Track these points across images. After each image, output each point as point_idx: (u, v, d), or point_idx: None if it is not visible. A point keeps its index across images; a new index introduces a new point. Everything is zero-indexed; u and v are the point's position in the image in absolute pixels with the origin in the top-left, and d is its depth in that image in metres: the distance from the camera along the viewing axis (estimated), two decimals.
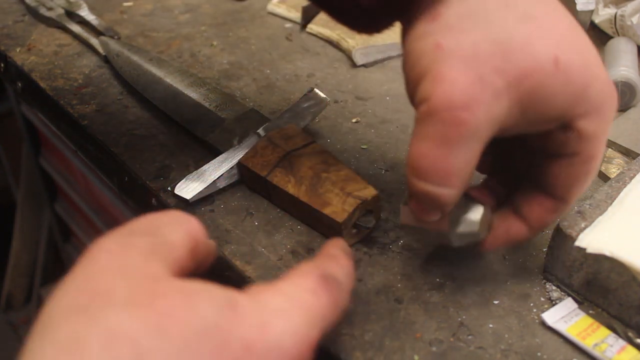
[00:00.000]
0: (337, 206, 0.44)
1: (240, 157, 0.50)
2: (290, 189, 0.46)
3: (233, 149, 0.51)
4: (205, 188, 0.49)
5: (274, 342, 0.26)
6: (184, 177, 0.50)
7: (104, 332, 0.23)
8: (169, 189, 0.50)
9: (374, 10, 0.35)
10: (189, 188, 0.49)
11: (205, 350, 0.24)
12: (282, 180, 0.47)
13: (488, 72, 0.32)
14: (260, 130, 0.52)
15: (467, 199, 0.39)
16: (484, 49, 0.32)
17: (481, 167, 0.42)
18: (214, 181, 0.49)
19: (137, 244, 0.28)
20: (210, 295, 0.26)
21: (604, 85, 0.34)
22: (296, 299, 0.29)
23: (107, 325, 0.23)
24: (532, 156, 0.39)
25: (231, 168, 0.50)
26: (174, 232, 0.30)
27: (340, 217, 0.44)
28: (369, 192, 0.45)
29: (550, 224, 0.40)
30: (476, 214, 0.39)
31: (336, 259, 0.34)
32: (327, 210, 0.44)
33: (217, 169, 0.50)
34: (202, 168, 0.50)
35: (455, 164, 0.34)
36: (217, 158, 0.51)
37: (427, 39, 0.33)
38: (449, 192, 0.35)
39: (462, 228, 0.39)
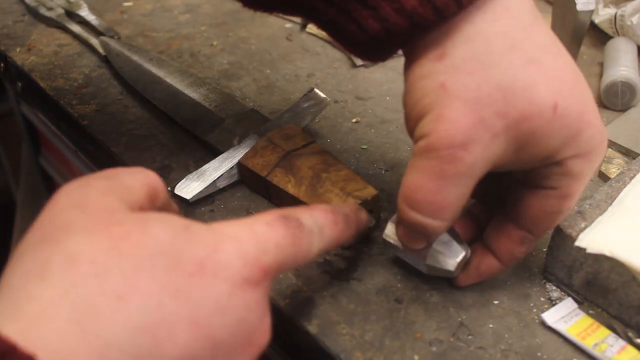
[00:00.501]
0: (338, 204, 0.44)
1: (240, 157, 0.50)
2: (290, 189, 0.46)
3: (233, 148, 0.51)
4: (205, 188, 0.49)
5: (224, 261, 0.28)
6: (184, 177, 0.50)
7: (65, 256, 0.26)
8: (169, 189, 0.50)
9: (380, 37, 0.36)
10: (189, 188, 0.49)
11: (160, 268, 0.26)
12: (282, 180, 0.47)
13: (489, 115, 0.33)
14: (260, 130, 0.52)
15: (452, 236, 0.40)
16: (487, 91, 0.33)
17: None
18: (214, 181, 0.49)
19: (96, 185, 0.30)
20: (166, 221, 0.28)
21: (596, 132, 0.35)
22: (249, 227, 0.30)
23: (67, 250, 0.26)
24: (511, 184, 0.39)
25: (231, 168, 0.50)
26: (132, 178, 0.32)
27: None
28: (369, 192, 0.45)
29: (520, 258, 0.41)
30: (456, 256, 0.40)
31: (311, 209, 0.35)
32: None
33: (217, 169, 0.50)
34: (202, 168, 0.50)
35: (447, 199, 0.35)
36: (217, 158, 0.51)
37: (432, 78, 0.34)
38: (438, 224, 0.36)
39: (439, 264, 0.40)
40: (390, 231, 0.41)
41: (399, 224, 0.38)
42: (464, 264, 0.41)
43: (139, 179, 0.32)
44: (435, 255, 0.40)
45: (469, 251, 0.41)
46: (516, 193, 0.39)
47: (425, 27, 0.34)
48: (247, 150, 0.50)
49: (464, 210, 0.43)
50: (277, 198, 0.48)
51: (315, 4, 0.37)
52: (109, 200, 0.29)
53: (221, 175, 0.49)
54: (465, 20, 0.34)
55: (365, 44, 0.37)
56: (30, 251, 0.26)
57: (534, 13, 0.35)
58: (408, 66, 0.37)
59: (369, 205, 0.45)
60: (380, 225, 0.47)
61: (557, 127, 0.34)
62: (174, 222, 0.28)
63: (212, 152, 0.53)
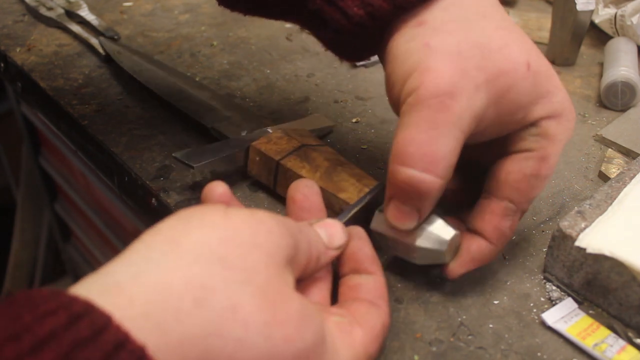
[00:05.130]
0: (353, 193, 0.44)
1: (250, 143, 0.49)
2: (305, 173, 0.46)
3: (241, 136, 0.51)
4: (211, 162, 0.47)
5: None
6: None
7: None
8: (173, 155, 0.48)
9: (364, 23, 0.38)
10: (194, 156, 0.47)
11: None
12: (296, 165, 0.47)
13: (470, 67, 0.35)
14: (270, 129, 0.52)
15: (442, 220, 0.39)
16: (466, 48, 0.36)
17: None
18: (220, 157, 0.48)
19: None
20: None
21: (565, 98, 0.39)
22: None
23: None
24: (490, 159, 0.40)
25: (237, 153, 0.49)
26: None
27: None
28: None
29: (508, 234, 0.40)
30: (446, 235, 0.39)
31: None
32: (342, 195, 0.44)
33: (224, 149, 0.49)
34: (209, 145, 0.49)
35: (441, 150, 0.35)
36: (226, 140, 0.50)
37: (415, 40, 0.37)
38: (433, 180, 0.35)
39: (430, 244, 0.39)
40: (377, 221, 0.41)
41: (389, 201, 0.38)
42: (456, 248, 0.40)
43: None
44: (425, 235, 0.39)
45: (459, 234, 0.40)
46: (496, 165, 0.40)
47: (406, 8, 0.37)
48: (257, 139, 0.50)
49: (450, 209, 0.43)
50: (285, 186, 0.47)
51: None
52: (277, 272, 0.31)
53: (227, 155, 0.48)
54: None
55: (349, 33, 0.39)
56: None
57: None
58: (388, 41, 0.39)
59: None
60: None
61: (530, 84, 0.37)
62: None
63: None
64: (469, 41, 0.36)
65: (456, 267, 0.40)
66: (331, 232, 0.37)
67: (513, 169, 0.39)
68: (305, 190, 0.40)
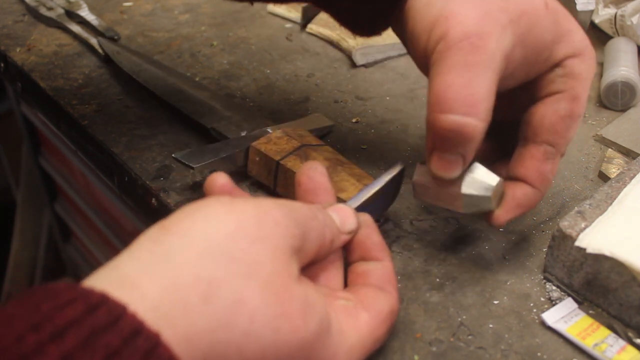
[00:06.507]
0: (353, 193, 0.44)
1: (250, 143, 0.49)
2: None
3: (241, 136, 0.51)
4: (210, 162, 0.47)
5: None
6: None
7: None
8: (173, 156, 0.48)
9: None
10: (194, 157, 0.47)
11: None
12: (296, 165, 0.47)
13: (493, 9, 0.36)
14: (269, 129, 0.52)
15: (485, 168, 0.40)
16: None
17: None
18: (221, 158, 0.48)
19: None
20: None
21: (584, 37, 0.40)
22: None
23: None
24: (524, 106, 0.42)
25: (237, 152, 0.49)
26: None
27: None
28: None
29: (549, 178, 0.41)
30: (491, 180, 0.39)
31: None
32: (342, 195, 0.44)
33: (224, 149, 0.49)
34: (209, 145, 0.49)
35: (478, 90, 0.35)
36: (226, 140, 0.50)
37: None
38: (475, 123, 0.35)
39: (476, 191, 0.39)
40: (420, 173, 0.41)
41: (432, 153, 0.38)
42: (500, 195, 0.41)
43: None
44: (470, 182, 0.39)
45: (502, 180, 0.40)
46: (529, 112, 0.41)
47: None
48: (257, 139, 0.50)
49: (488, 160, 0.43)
50: (285, 185, 0.48)
51: None
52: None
53: (227, 155, 0.48)
54: None
55: (362, 8, 0.41)
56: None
57: None
58: (405, 9, 0.40)
59: None
60: (380, 226, 0.47)
61: (551, 22, 0.38)
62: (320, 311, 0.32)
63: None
64: None
65: (502, 214, 0.41)
66: (343, 217, 0.37)
67: (547, 112, 0.40)
68: (310, 173, 0.39)
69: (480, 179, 0.39)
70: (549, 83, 0.40)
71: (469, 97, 0.35)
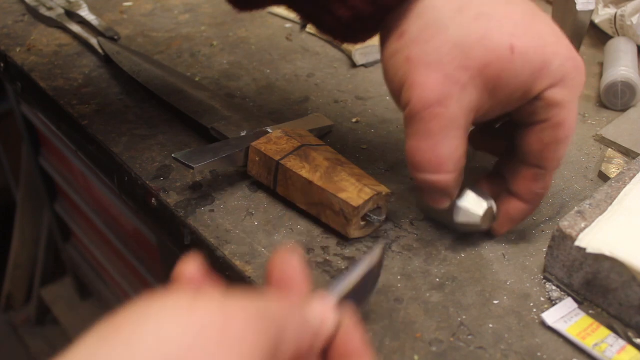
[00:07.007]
0: (353, 193, 0.44)
1: (250, 143, 0.49)
2: (305, 173, 0.46)
3: (241, 136, 0.51)
4: (210, 162, 0.47)
5: None
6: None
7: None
8: (173, 156, 0.48)
9: (351, 23, 0.41)
10: (193, 157, 0.47)
11: None
12: (296, 166, 0.47)
13: (452, 71, 0.37)
14: (269, 129, 0.52)
15: (477, 192, 0.44)
16: (445, 52, 0.37)
17: (480, 146, 0.49)
18: (220, 158, 0.48)
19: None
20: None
21: (565, 60, 0.39)
22: None
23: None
24: (513, 130, 0.43)
25: (238, 152, 0.49)
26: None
27: (355, 202, 0.44)
28: (383, 188, 0.46)
29: (542, 193, 0.44)
30: (479, 209, 0.43)
31: None
32: (342, 195, 0.44)
33: (224, 149, 0.49)
34: (209, 145, 0.49)
35: (443, 152, 0.39)
36: (226, 140, 0.50)
37: (398, 55, 0.39)
38: (446, 178, 0.40)
39: (466, 219, 0.43)
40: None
41: (421, 191, 0.43)
42: (492, 216, 0.44)
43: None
44: (462, 211, 0.43)
45: (493, 203, 0.44)
46: (519, 137, 0.42)
47: (388, 9, 0.39)
48: (257, 139, 0.50)
49: (493, 170, 0.47)
50: (284, 185, 0.48)
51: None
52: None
53: (227, 155, 0.48)
54: None
55: (341, 30, 0.42)
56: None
57: None
58: (381, 50, 0.42)
59: (381, 200, 0.46)
60: (380, 226, 0.47)
61: (520, 66, 0.37)
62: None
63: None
64: (447, 44, 0.37)
65: (498, 228, 0.45)
66: (324, 315, 0.32)
67: (533, 141, 0.41)
68: (283, 262, 0.34)
69: (470, 209, 0.43)
70: (531, 114, 0.40)
71: (433, 159, 0.39)
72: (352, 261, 0.45)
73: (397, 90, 0.40)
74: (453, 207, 0.43)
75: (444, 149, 0.39)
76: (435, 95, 0.37)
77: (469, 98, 0.38)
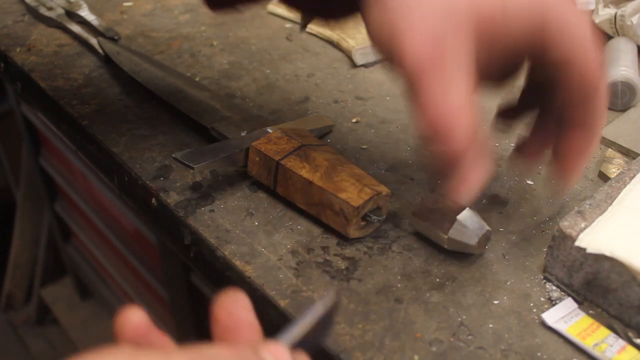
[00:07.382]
0: (353, 193, 0.44)
1: (250, 143, 0.49)
2: (305, 173, 0.46)
3: (241, 137, 0.51)
4: (210, 162, 0.47)
5: None
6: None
7: None
8: (173, 156, 0.48)
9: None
10: (193, 157, 0.47)
11: None
12: (296, 166, 0.47)
13: (447, 31, 0.36)
14: (269, 129, 0.52)
15: (475, 216, 0.43)
16: (438, 11, 0.37)
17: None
18: (220, 158, 0.48)
19: None
20: None
21: (563, 10, 0.38)
22: None
23: None
24: (545, 101, 0.43)
25: (238, 152, 0.49)
26: None
27: (355, 202, 0.44)
28: (383, 188, 0.46)
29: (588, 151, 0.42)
30: (480, 230, 0.43)
31: None
32: (342, 195, 0.44)
33: (224, 149, 0.49)
34: (209, 145, 0.49)
35: (452, 100, 0.37)
36: (226, 140, 0.50)
37: (383, 20, 0.38)
38: (461, 129, 0.37)
39: (460, 237, 0.43)
40: (416, 208, 0.45)
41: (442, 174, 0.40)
42: (486, 241, 0.44)
43: None
44: (458, 229, 0.43)
45: (489, 230, 0.43)
46: (551, 103, 0.43)
47: None
48: (257, 139, 0.50)
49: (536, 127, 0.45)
50: (284, 185, 0.48)
51: None
52: None
53: (227, 155, 0.48)
54: None
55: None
56: None
57: None
58: (365, 20, 0.40)
59: (381, 200, 0.45)
60: (380, 226, 0.47)
61: (514, 26, 0.37)
62: None
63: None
64: (442, 3, 0.36)
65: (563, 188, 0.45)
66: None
67: (567, 89, 0.39)
68: (230, 307, 0.31)
69: (469, 228, 0.43)
70: (549, 75, 0.40)
71: (445, 111, 0.37)
72: (305, 306, 0.41)
73: (386, 42, 0.38)
74: (445, 224, 0.43)
75: (452, 96, 0.37)
76: (428, 49, 0.36)
77: (464, 52, 0.37)
